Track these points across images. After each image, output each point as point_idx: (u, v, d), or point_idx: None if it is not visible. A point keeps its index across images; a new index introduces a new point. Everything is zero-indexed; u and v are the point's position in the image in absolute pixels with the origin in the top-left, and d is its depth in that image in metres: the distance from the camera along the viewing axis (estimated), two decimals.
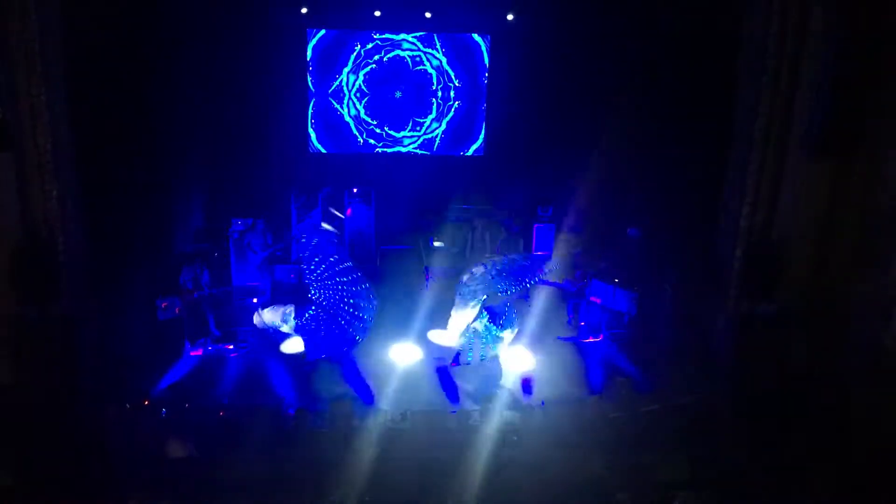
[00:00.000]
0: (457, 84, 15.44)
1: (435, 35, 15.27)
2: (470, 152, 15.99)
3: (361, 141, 15.58)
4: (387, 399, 10.50)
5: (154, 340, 11.78)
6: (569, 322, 13.21)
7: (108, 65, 10.38)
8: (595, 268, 13.50)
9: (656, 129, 13.66)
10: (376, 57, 15.17)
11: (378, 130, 15.45)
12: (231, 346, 12.07)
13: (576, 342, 12.58)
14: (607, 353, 12.23)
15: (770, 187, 9.97)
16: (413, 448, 8.87)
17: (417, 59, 15.41)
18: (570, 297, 13.45)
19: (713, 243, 11.05)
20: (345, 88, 15.18)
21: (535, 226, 15.62)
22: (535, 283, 11.76)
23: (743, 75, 10.12)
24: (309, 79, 15.23)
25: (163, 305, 12.24)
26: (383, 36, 15.02)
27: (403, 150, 15.58)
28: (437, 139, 15.74)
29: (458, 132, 15.69)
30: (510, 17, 16.04)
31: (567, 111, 15.88)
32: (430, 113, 15.51)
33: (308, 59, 15.22)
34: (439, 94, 15.40)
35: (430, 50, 15.41)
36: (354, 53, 14.97)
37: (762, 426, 9.52)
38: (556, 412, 9.71)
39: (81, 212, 9.99)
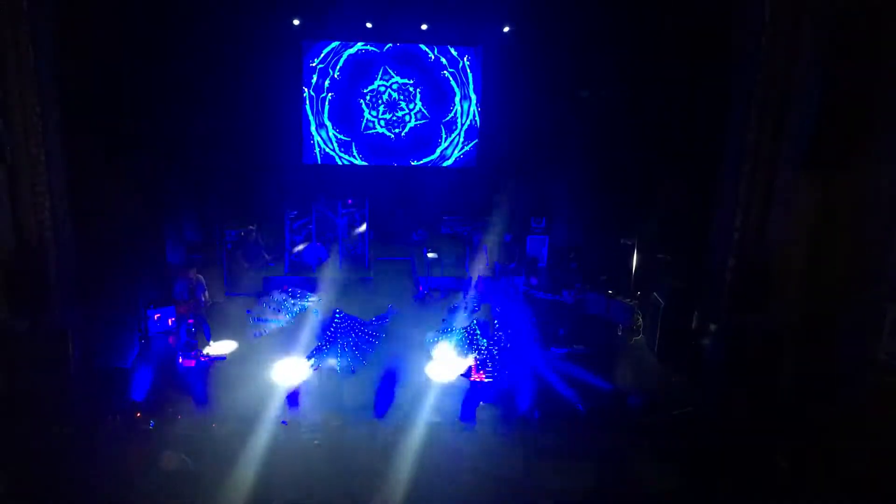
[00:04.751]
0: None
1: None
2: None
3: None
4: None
5: (146, 351, 11.75)
6: (560, 334, 13.17)
7: (102, 78, 10.38)
8: (591, 280, 13.50)
9: (650, 142, 13.74)
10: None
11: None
12: (224, 357, 12.03)
13: (567, 354, 12.53)
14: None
15: (761, 201, 9.99)
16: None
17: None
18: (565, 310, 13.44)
19: (705, 256, 11.10)
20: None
21: (529, 237, 15.69)
22: None
23: (734, 89, 10.18)
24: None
25: (155, 317, 12.25)
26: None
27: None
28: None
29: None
30: (506, 29, 16.27)
31: (560, 124, 15.97)
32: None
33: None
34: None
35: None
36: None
37: (754, 437, 9.56)
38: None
39: (73, 223, 9.96)
